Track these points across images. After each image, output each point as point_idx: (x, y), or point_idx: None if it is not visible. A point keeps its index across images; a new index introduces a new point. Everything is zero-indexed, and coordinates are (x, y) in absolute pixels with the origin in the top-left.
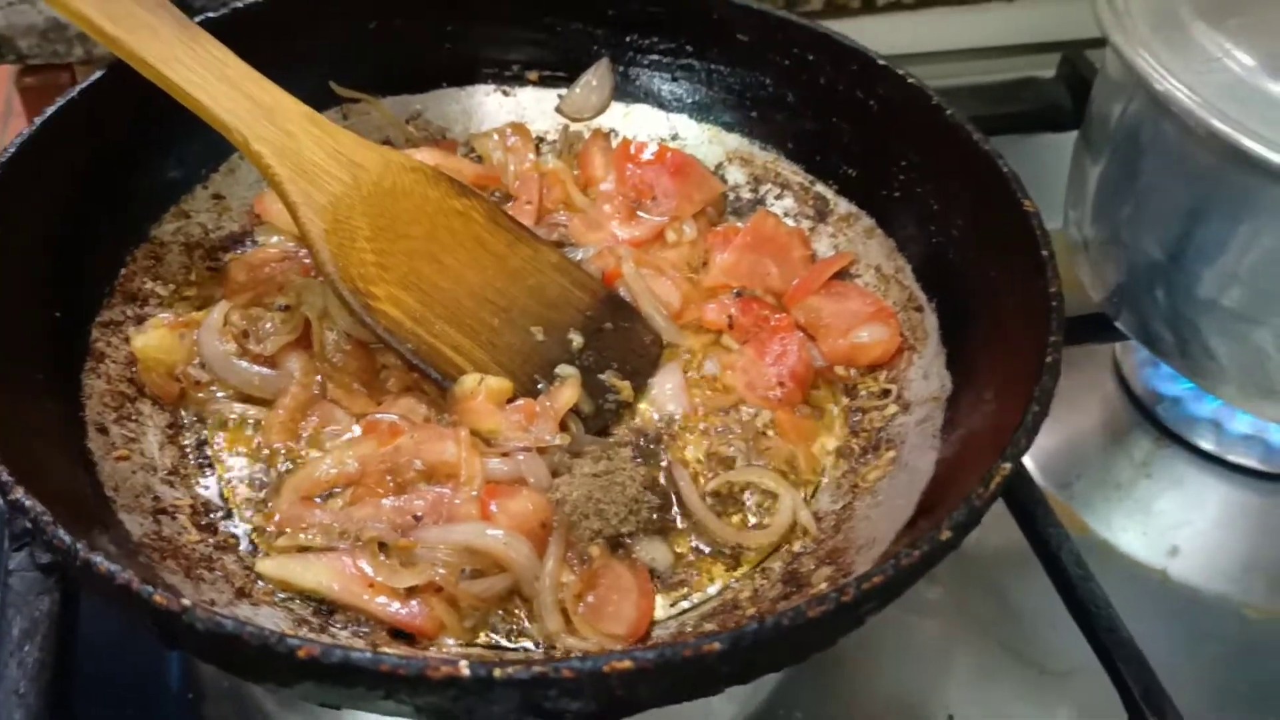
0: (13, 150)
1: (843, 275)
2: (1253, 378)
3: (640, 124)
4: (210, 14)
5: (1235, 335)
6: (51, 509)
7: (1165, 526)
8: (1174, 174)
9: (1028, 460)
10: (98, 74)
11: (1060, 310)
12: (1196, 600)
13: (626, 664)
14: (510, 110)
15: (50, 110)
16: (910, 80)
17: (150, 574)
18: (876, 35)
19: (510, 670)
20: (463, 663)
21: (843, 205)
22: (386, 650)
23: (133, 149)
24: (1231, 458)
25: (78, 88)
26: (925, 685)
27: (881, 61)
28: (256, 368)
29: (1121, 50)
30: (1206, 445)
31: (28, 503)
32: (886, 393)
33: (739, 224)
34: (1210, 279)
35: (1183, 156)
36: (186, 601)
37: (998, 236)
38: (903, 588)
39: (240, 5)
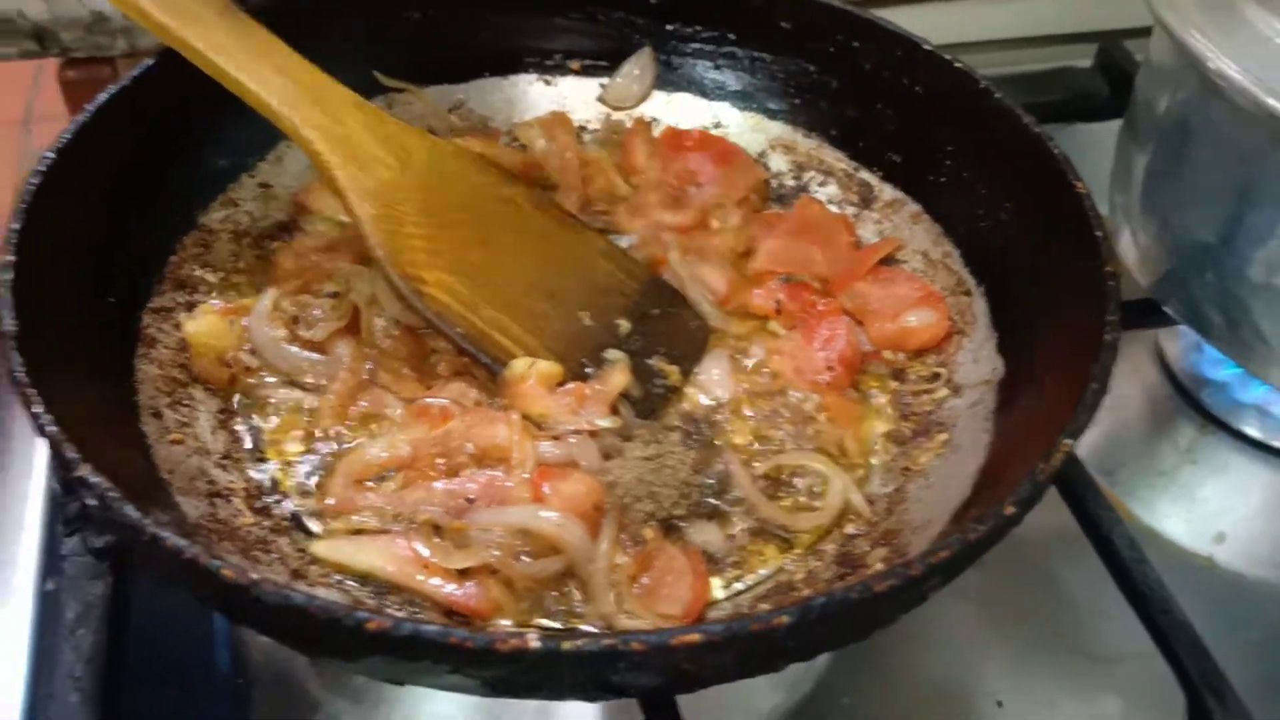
0: (66, 138)
1: (889, 261)
2: None
3: (682, 112)
4: (258, 2)
5: None
6: (123, 492)
7: (1210, 513)
8: (1225, 155)
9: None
10: (147, 62)
11: (1117, 290)
12: (1242, 586)
13: (694, 637)
14: (552, 99)
15: (102, 98)
16: (957, 65)
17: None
18: (913, 25)
19: (579, 643)
20: (531, 635)
21: (888, 191)
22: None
23: (181, 137)
24: (1277, 443)
25: (129, 75)
26: (972, 672)
27: (927, 47)
28: (306, 353)
29: (1173, 30)
30: (1252, 431)
31: (94, 480)
32: (936, 376)
33: (782, 211)
34: (1262, 260)
35: (1234, 137)
36: (255, 575)
37: (1048, 219)
38: (967, 563)
39: None
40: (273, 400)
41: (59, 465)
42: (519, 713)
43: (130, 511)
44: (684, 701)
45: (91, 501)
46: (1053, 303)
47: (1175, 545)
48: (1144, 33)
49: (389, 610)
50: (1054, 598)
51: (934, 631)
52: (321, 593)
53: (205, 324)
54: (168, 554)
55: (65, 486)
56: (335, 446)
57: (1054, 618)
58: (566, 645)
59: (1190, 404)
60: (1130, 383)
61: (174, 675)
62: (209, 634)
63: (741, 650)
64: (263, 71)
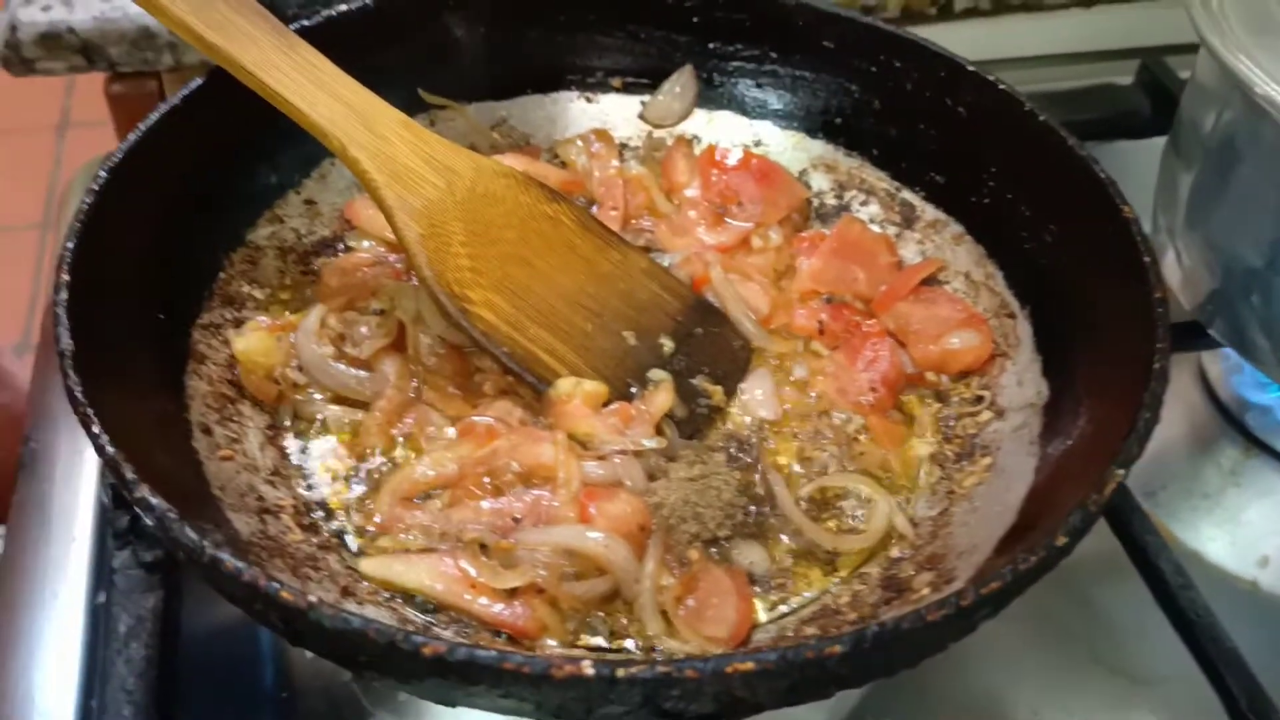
0: (119, 156)
1: (931, 282)
2: None
3: (723, 130)
4: (305, 21)
5: None
6: (181, 512)
7: (1255, 536)
8: (1272, 177)
9: None
10: (197, 81)
11: (1166, 316)
12: None
13: (749, 665)
14: (593, 117)
15: (153, 117)
16: (1001, 86)
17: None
18: (953, 42)
19: (634, 670)
20: (586, 662)
21: (930, 211)
22: (509, 649)
23: (229, 155)
24: None
25: (179, 94)
26: (1011, 692)
27: (970, 68)
28: (353, 370)
29: (1219, 53)
30: None
31: (154, 501)
32: (979, 399)
33: (824, 230)
34: None
35: None
36: (313, 598)
37: (1094, 242)
38: (1018, 593)
39: (334, 13)
40: (320, 417)
41: (118, 485)
42: None
43: (189, 533)
44: None
45: (150, 522)
46: (1100, 327)
47: (1219, 568)
48: (1186, 49)
49: (436, 629)
50: (1094, 619)
51: (974, 651)
52: (371, 611)
53: (253, 341)
54: (226, 575)
55: (116, 500)
56: (382, 464)
57: (1093, 639)
58: (621, 672)
59: (1234, 426)
60: (1173, 405)
61: (221, 689)
62: (255, 648)
63: (795, 678)
64: (311, 91)
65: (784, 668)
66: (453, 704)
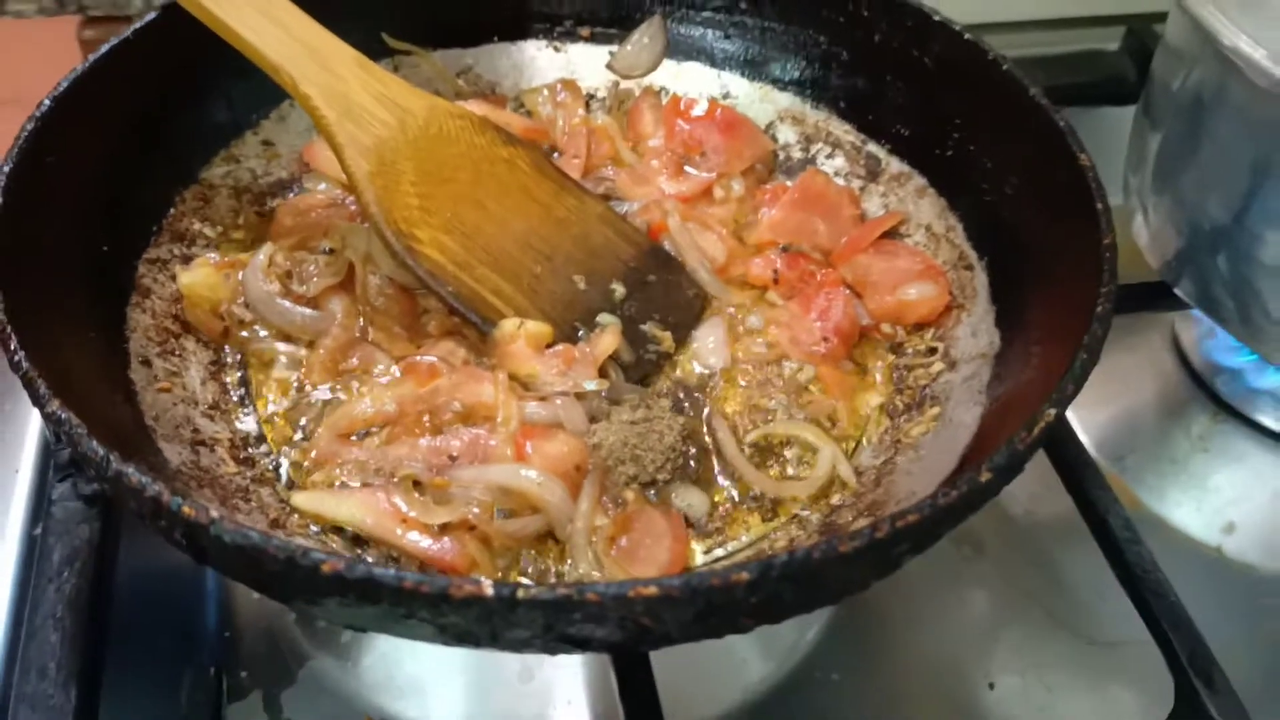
0: (64, 86)
1: (893, 235)
2: None
3: (691, 82)
4: None
5: None
6: (89, 426)
7: (1221, 502)
8: (1239, 133)
9: (1080, 431)
10: (150, 15)
11: (1113, 261)
12: (1252, 577)
13: (652, 590)
14: (561, 66)
15: (104, 49)
16: (967, 36)
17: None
18: (941, 5)
19: (534, 591)
20: (486, 582)
21: (894, 165)
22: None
23: (184, 91)
24: None
25: (131, 28)
26: (968, 653)
27: (938, 18)
28: (299, 308)
29: (1188, 5)
30: (1266, 420)
31: (63, 415)
32: (933, 350)
33: (789, 183)
34: (1274, 241)
35: (1250, 115)
36: (215, 513)
37: (1052, 192)
38: (939, 529)
39: None
40: (265, 354)
41: (32, 400)
42: (501, 672)
43: (96, 447)
44: (671, 668)
45: (60, 437)
46: (1052, 276)
47: (1184, 534)
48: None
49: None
50: (1055, 582)
51: (930, 612)
52: (300, 543)
53: (200, 276)
54: (131, 490)
55: (56, 434)
56: (323, 401)
57: (1054, 602)
58: (522, 593)
59: (1204, 391)
60: (1144, 369)
61: (161, 626)
62: (199, 587)
63: (701, 606)
64: (263, 26)
65: (688, 594)
66: (363, 628)
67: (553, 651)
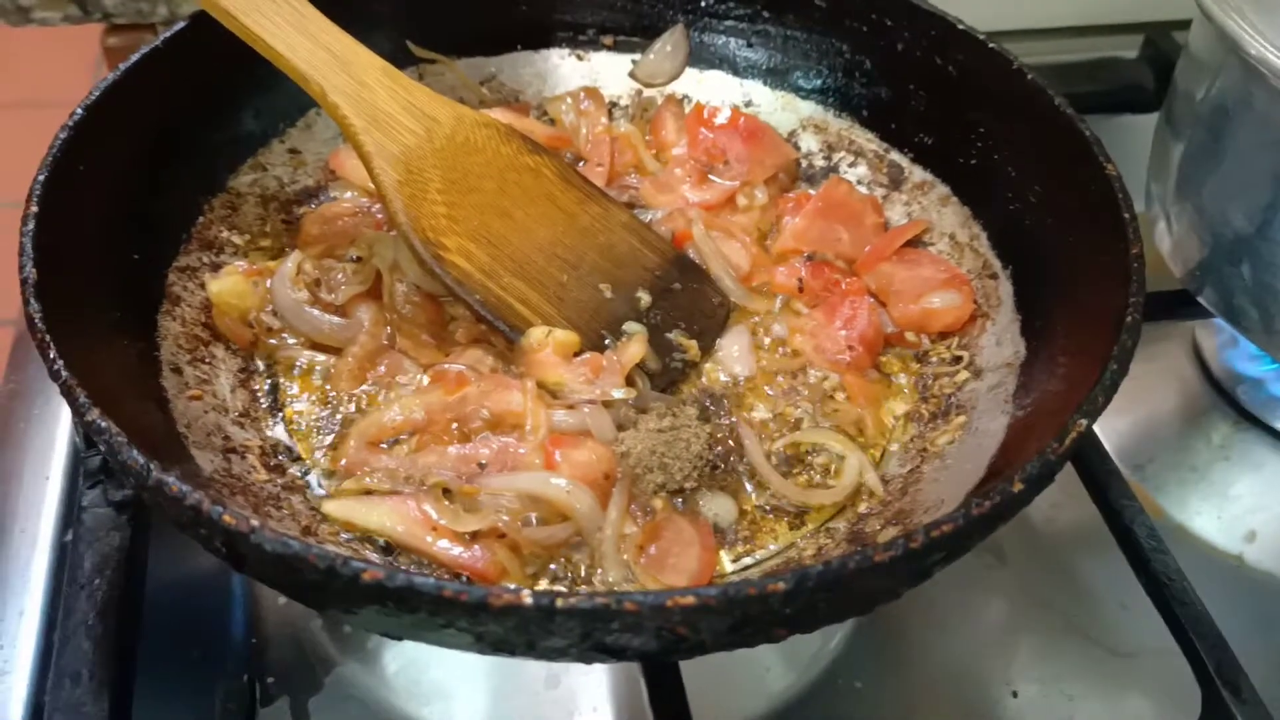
0: (96, 95)
1: (916, 243)
2: None
3: (714, 90)
4: None
5: None
6: (129, 435)
7: (1242, 511)
8: (1263, 143)
9: (1102, 438)
10: (180, 24)
11: (1141, 271)
12: (1273, 586)
13: (689, 600)
14: (584, 74)
15: (134, 58)
16: (991, 45)
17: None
18: (960, 12)
19: (573, 601)
20: (525, 592)
21: (917, 173)
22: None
23: (212, 100)
24: None
25: (161, 37)
26: (989, 661)
27: (961, 27)
28: (327, 316)
29: (1214, 16)
30: None
31: (103, 424)
32: (958, 359)
33: (812, 191)
34: None
35: (1273, 124)
36: (255, 522)
37: (1077, 201)
38: (971, 539)
39: None
40: (293, 361)
41: (71, 410)
42: (526, 678)
43: (136, 456)
44: (697, 676)
45: (100, 446)
46: (1078, 285)
47: (1205, 542)
48: (1189, 24)
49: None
50: (1076, 591)
51: (952, 620)
52: (338, 550)
53: (229, 284)
54: (171, 499)
55: (87, 440)
56: (352, 409)
57: (1075, 611)
58: (560, 603)
59: (1225, 400)
60: (1165, 377)
61: (189, 632)
62: (226, 594)
63: (737, 616)
64: (292, 36)
65: (724, 604)
66: (398, 637)
67: (588, 660)
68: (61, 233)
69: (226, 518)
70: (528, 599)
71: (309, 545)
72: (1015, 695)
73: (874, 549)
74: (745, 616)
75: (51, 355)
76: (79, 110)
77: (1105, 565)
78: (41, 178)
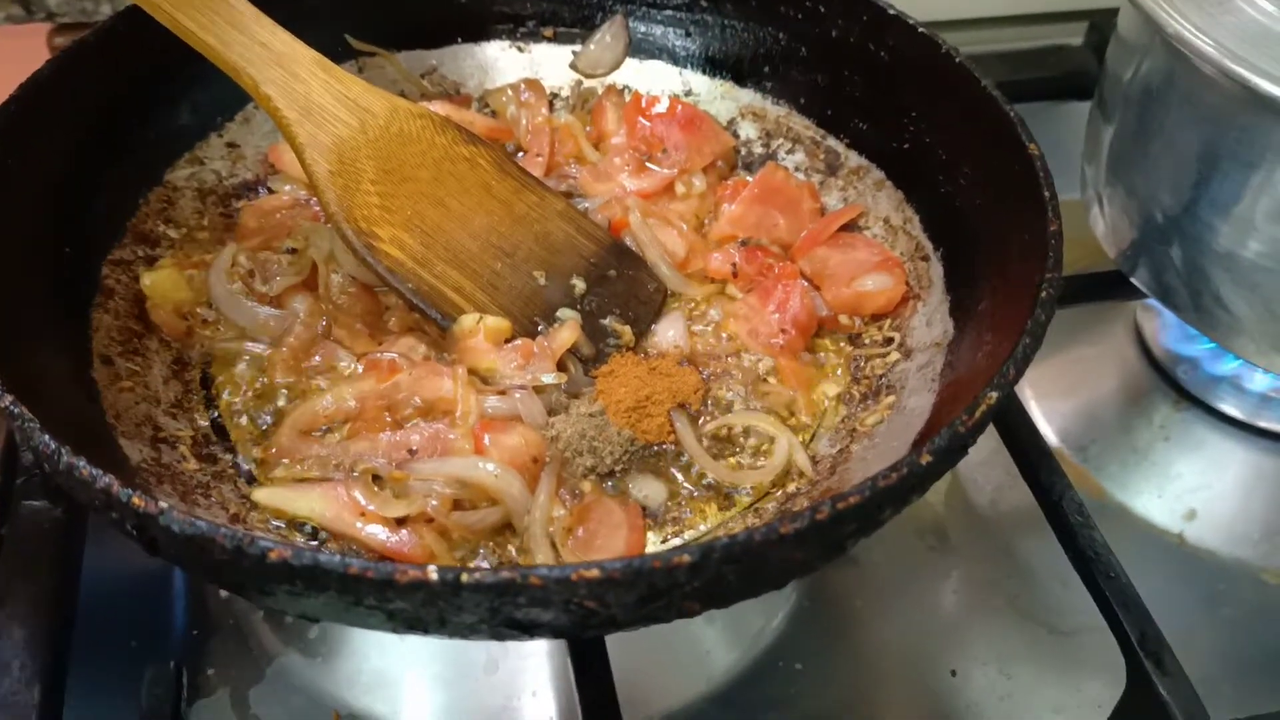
0: (24, 90)
1: (852, 227)
2: (1267, 330)
3: (653, 80)
4: None
5: (1250, 285)
6: (41, 421)
7: (1183, 490)
8: (1189, 123)
9: (1043, 422)
10: (112, 18)
11: (1059, 248)
12: (1213, 564)
13: (594, 573)
14: (524, 66)
15: (63, 53)
16: (921, 30)
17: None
18: (905, 4)
19: (478, 576)
20: (430, 567)
21: (853, 159)
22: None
23: (146, 93)
24: (1251, 420)
25: (92, 31)
26: (930, 642)
27: (892, 11)
28: (262, 307)
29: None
30: (1227, 408)
31: (15, 410)
32: (890, 340)
33: (749, 178)
34: (1225, 229)
35: (1197, 104)
36: (164, 504)
37: (1003, 181)
38: (881, 511)
39: None
40: (228, 353)
41: None
42: (466, 664)
43: (48, 441)
44: (635, 656)
45: (16, 433)
46: (1003, 264)
47: (1145, 522)
48: None
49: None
50: (1019, 572)
51: (895, 601)
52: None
53: (164, 277)
54: (82, 481)
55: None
56: (286, 399)
57: (1016, 591)
58: (465, 578)
59: (1166, 381)
60: (1107, 359)
61: (129, 625)
62: (167, 585)
63: (643, 589)
64: (224, 30)
65: (630, 576)
66: (315, 618)
67: (501, 637)
68: None
69: (135, 499)
70: (433, 574)
71: (216, 526)
72: (954, 674)
73: (781, 521)
74: (652, 589)
75: None
76: (9, 104)
77: (1046, 546)
78: None
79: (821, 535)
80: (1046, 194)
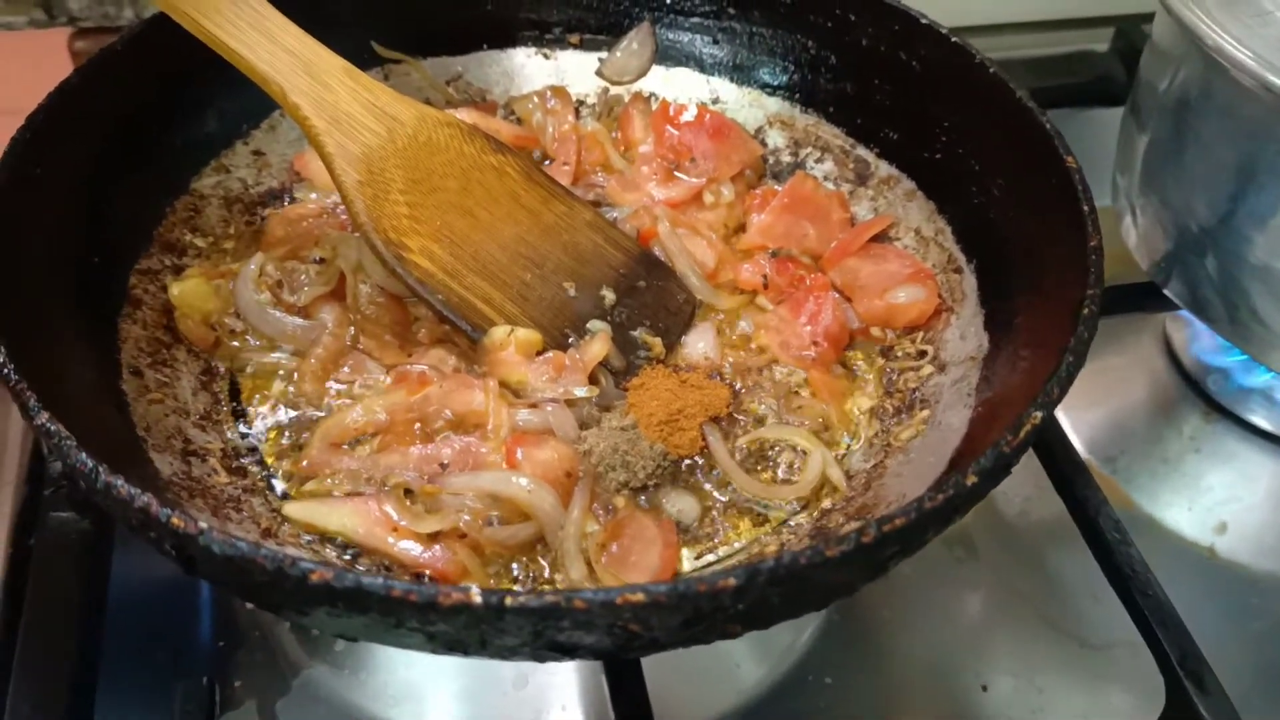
0: (53, 97)
1: (882, 238)
2: None
3: (680, 87)
4: None
5: None
6: (79, 438)
7: (1213, 502)
8: (1225, 134)
9: (1072, 432)
10: (139, 26)
11: (1100, 263)
12: (1244, 577)
13: (639, 596)
14: (550, 73)
15: (91, 60)
16: (954, 40)
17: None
18: (930, 8)
19: (522, 599)
20: (474, 590)
21: (883, 168)
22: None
23: (173, 102)
24: None
25: (120, 39)
26: (960, 655)
27: (925, 21)
28: (290, 318)
29: (1173, 7)
30: (1257, 419)
31: (52, 427)
32: (923, 354)
33: (778, 187)
34: (1261, 241)
35: (1234, 115)
36: (204, 524)
37: (1039, 194)
38: (926, 533)
39: None
40: (256, 364)
41: (21, 411)
42: (495, 678)
43: (85, 459)
44: (666, 673)
45: (48, 449)
46: (1039, 278)
47: (1176, 534)
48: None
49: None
50: (1049, 585)
51: (924, 614)
52: (290, 552)
53: (191, 286)
54: (120, 501)
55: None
56: (315, 411)
57: (1047, 605)
58: (510, 601)
59: (1196, 392)
60: (1136, 370)
61: (156, 636)
62: (194, 597)
63: (688, 612)
64: (252, 37)
65: (675, 600)
66: (354, 638)
67: (541, 659)
68: (17, 236)
69: (175, 520)
70: (477, 598)
71: (257, 547)
72: (985, 689)
73: (826, 543)
74: (697, 612)
75: (1, 358)
76: (37, 113)
77: (1076, 558)
78: None
79: (866, 557)
80: (1085, 208)
